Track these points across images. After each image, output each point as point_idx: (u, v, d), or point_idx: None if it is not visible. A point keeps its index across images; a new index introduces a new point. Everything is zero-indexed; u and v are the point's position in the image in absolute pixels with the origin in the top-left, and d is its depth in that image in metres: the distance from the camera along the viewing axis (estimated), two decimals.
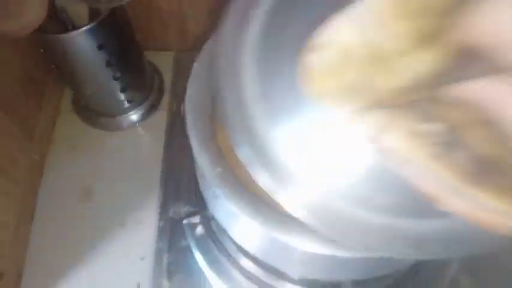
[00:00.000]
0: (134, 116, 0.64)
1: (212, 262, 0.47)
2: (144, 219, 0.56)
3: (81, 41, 0.51)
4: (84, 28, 0.49)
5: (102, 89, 0.59)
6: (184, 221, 0.47)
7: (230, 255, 0.47)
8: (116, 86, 0.59)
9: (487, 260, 0.50)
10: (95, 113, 0.64)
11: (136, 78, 0.62)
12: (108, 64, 0.54)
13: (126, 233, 0.56)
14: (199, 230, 0.48)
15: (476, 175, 0.21)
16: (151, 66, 0.67)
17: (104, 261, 0.55)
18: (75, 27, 0.50)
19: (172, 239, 0.49)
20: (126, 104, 0.63)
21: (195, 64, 0.39)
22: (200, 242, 0.48)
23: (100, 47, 0.52)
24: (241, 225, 0.37)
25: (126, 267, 0.54)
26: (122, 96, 0.61)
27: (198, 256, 0.48)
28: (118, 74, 0.57)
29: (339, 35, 0.22)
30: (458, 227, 0.27)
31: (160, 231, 0.50)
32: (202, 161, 0.35)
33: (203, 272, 0.47)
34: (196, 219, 0.48)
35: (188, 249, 0.48)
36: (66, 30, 0.50)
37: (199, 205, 0.49)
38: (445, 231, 0.28)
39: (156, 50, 0.67)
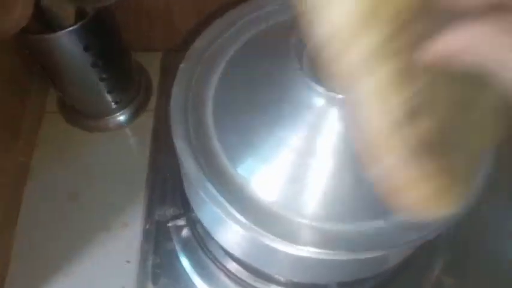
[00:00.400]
0: (121, 118, 0.64)
1: (198, 265, 0.48)
2: (130, 222, 0.56)
3: (66, 42, 0.51)
4: (69, 29, 0.50)
5: (88, 90, 0.59)
6: (170, 224, 0.47)
7: (216, 258, 0.47)
8: (103, 87, 0.59)
9: (470, 260, 0.51)
10: (81, 114, 0.64)
11: (123, 79, 0.62)
12: (94, 65, 0.55)
13: (111, 235, 0.56)
14: (185, 232, 0.48)
15: (424, 150, 0.23)
16: (139, 66, 0.67)
17: (89, 264, 0.55)
18: (61, 28, 0.50)
19: (157, 242, 0.50)
20: (113, 105, 0.63)
21: (181, 65, 0.39)
22: (186, 245, 0.48)
23: (86, 48, 0.52)
24: (226, 229, 0.38)
25: (112, 270, 0.54)
26: (109, 97, 0.61)
27: (184, 259, 0.48)
28: (104, 75, 0.57)
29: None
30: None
31: (146, 234, 0.50)
32: (187, 163, 0.35)
33: (189, 276, 0.47)
34: (182, 221, 0.48)
35: (174, 253, 0.48)
36: (52, 30, 0.50)
37: (185, 207, 0.49)
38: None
39: (144, 51, 0.67)
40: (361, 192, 0.34)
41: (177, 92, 0.38)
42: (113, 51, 0.57)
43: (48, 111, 0.65)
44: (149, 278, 0.47)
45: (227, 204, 0.34)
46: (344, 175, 0.34)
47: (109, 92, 0.60)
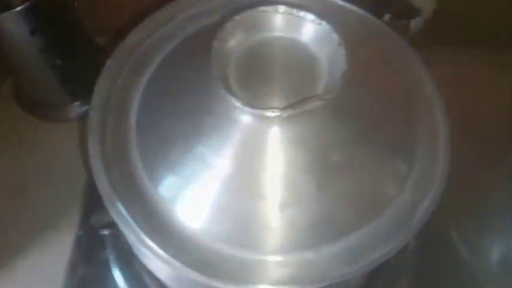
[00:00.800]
0: (81, 108, 0.62)
1: (132, 280, 0.46)
2: (78, 223, 0.55)
3: (10, 25, 0.49)
4: (11, 11, 0.48)
5: (40, 78, 0.58)
6: (105, 231, 0.45)
7: (153, 275, 0.45)
8: (55, 75, 0.57)
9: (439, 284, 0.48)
10: (38, 103, 0.62)
11: (80, 66, 0.60)
12: (44, 51, 0.53)
13: (58, 237, 0.55)
14: (121, 242, 0.46)
15: None
16: (103, 52, 0.65)
17: (30, 267, 0.53)
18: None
19: (90, 251, 0.48)
20: (70, 94, 0.61)
21: (107, 61, 0.37)
22: (121, 257, 0.46)
23: (32, 32, 0.50)
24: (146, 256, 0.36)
25: (54, 275, 0.52)
26: (64, 86, 0.59)
27: (117, 272, 0.46)
28: (57, 62, 0.55)
29: None
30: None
31: (78, 241, 0.49)
32: (98, 176, 0.33)
33: None
34: (119, 230, 0.46)
35: (107, 264, 0.46)
36: None
37: None
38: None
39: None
40: (286, 220, 0.32)
41: (99, 91, 0.36)
42: (66, 36, 0.55)
43: (2, 98, 0.63)
44: None
45: (141, 232, 0.32)
46: (269, 203, 0.32)
47: (63, 81, 0.58)
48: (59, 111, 0.63)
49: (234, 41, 0.31)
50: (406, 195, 0.33)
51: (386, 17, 0.56)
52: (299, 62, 0.31)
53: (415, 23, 0.60)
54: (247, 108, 0.28)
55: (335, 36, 0.30)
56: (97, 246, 0.48)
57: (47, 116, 0.63)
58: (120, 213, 0.32)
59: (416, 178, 0.34)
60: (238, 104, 0.28)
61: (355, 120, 0.33)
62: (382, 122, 0.34)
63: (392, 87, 0.37)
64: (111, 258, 0.47)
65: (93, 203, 0.51)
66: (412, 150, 0.35)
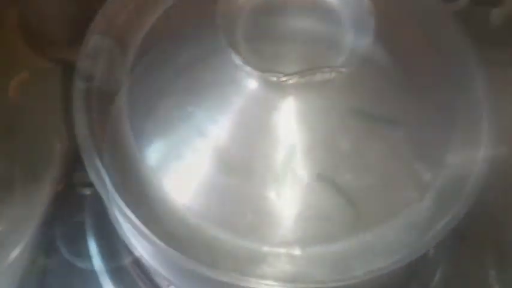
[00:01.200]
0: None
1: (106, 249, 0.45)
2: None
3: None
4: None
5: (50, 7, 0.57)
6: (86, 191, 0.46)
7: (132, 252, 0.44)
8: (70, 4, 0.56)
9: None
10: (45, 40, 0.62)
11: None
12: None
13: (37, 189, 0.54)
14: (103, 206, 0.46)
15: None
16: None
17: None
18: None
19: (67, 209, 0.48)
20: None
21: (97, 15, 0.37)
22: (99, 222, 0.46)
23: None
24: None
25: (26, 229, 0.53)
26: (78, 20, 0.59)
27: (91, 238, 0.46)
28: None
29: None
30: None
31: (56, 196, 0.48)
32: (80, 129, 0.33)
33: (91, 258, 0.45)
34: None
35: (82, 227, 0.46)
36: None
37: None
38: None
39: None
40: (278, 209, 0.31)
41: (95, 28, 0.36)
42: None
43: (7, 31, 0.64)
44: (43, 249, 0.46)
45: (114, 190, 0.31)
46: (263, 185, 0.31)
47: (78, 12, 0.58)
48: (69, 51, 0.63)
49: None
50: (421, 207, 0.32)
51: (463, 1, 0.52)
52: (320, 26, 0.30)
53: (496, 15, 0.57)
54: (248, 68, 0.27)
55: (367, 3, 0.29)
56: (75, 206, 0.48)
57: (55, 56, 0.63)
58: (94, 164, 0.31)
59: (439, 190, 0.32)
60: (239, 61, 0.27)
61: (377, 106, 0.31)
62: (408, 116, 0.33)
63: (430, 79, 0.35)
64: (88, 222, 0.46)
65: (77, 158, 0.51)
66: (441, 157, 0.33)
